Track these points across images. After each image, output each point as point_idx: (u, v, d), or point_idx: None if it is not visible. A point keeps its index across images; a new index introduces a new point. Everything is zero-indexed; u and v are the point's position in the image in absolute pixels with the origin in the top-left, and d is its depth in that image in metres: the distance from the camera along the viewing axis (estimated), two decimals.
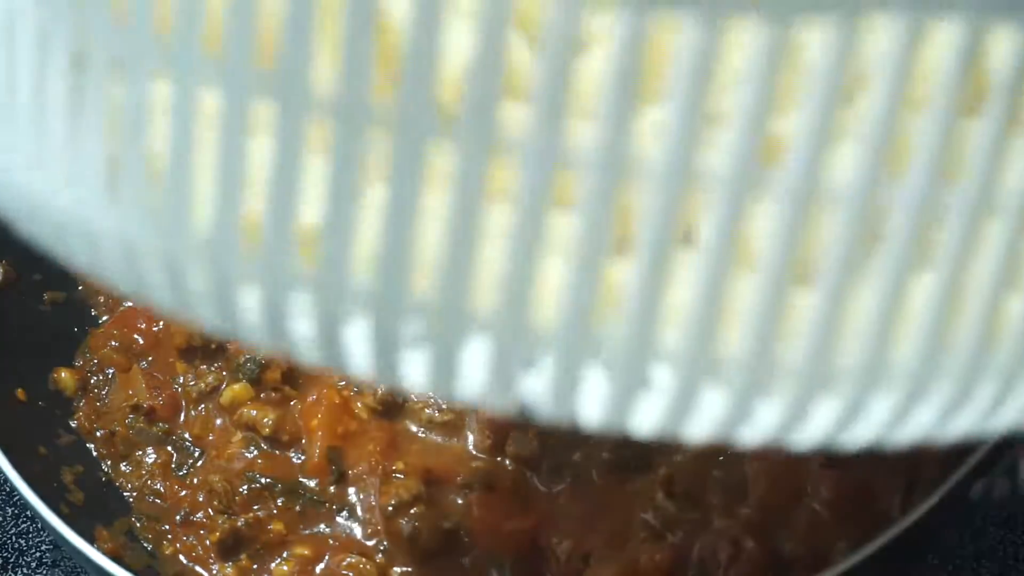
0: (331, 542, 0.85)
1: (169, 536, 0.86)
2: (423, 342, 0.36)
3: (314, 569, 0.84)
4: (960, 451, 0.72)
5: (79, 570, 0.93)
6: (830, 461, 0.81)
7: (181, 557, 0.85)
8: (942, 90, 0.32)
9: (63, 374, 0.91)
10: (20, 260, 0.93)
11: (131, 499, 0.88)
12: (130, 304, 0.95)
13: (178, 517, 0.86)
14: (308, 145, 0.36)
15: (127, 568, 0.76)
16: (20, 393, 0.89)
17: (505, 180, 0.35)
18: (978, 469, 0.73)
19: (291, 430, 0.89)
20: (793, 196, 0.33)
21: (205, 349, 0.92)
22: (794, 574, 0.79)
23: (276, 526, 0.85)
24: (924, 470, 0.79)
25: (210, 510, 0.86)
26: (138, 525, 0.86)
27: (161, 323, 0.93)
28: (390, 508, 0.84)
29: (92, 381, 0.92)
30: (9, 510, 0.96)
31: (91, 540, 0.79)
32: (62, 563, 0.93)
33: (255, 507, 0.86)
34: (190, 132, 0.37)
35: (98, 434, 0.90)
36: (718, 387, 0.35)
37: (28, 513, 0.95)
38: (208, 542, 0.85)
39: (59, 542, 0.83)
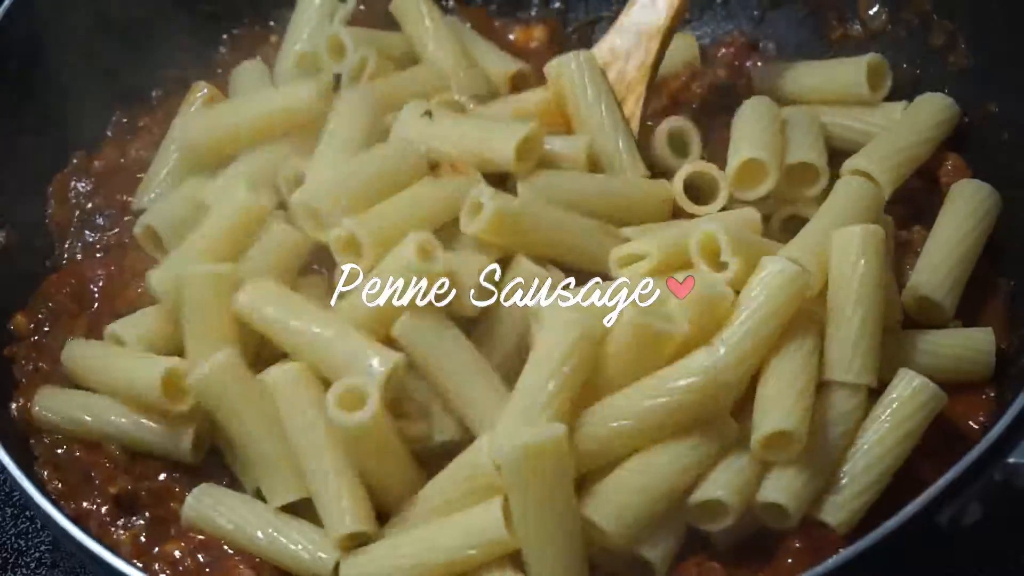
0: None
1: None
2: None
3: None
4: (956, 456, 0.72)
5: (79, 570, 0.93)
6: None
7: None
8: None
9: (19, 318, 0.92)
10: None
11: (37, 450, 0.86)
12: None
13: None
14: None
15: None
16: None
17: None
18: (977, 469, 0.73)
19: None
20: None
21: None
22: None
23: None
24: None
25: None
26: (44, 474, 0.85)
27: (114, 268, 0.94)
28: None
29: (42, 326, 0.92)
30: (8, 510, 0.96)
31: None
32: (62, 563, 0.94)
33: (160, 476, 0.85)
34: None
35: (28, 367, 0.90)
36: None
37: (28, 513, 0.95)
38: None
39: (57, 534, 0.83)
